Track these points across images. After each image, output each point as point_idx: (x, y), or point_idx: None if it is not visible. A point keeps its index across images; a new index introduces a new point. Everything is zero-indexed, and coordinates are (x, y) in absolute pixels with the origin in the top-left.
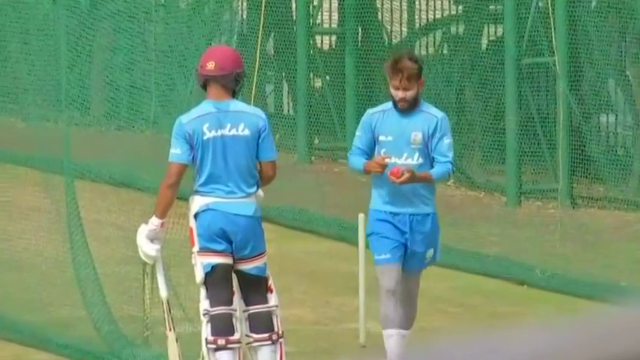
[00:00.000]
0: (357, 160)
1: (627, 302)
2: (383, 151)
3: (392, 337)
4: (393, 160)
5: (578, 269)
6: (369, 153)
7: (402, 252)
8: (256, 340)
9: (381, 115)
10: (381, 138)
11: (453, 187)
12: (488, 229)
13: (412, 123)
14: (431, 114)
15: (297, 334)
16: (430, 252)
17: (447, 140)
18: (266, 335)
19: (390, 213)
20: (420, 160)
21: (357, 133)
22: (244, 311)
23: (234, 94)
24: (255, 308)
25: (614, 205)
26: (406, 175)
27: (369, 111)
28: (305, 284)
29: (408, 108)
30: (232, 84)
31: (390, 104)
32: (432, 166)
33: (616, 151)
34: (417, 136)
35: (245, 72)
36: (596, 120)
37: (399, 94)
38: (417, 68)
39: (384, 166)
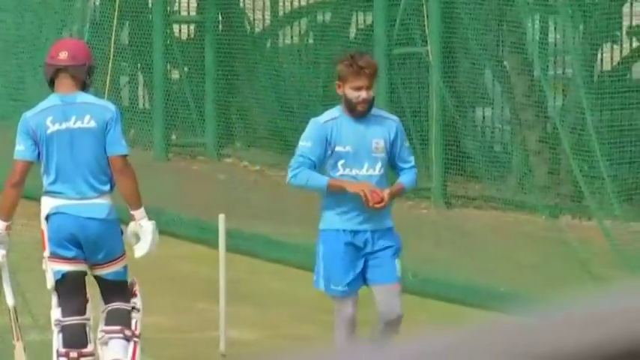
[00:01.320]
0: (312, 176)
1: (507, 309)
2: (341, 162)
3: None
4: (354, 172)
5: (454, 274)
6: (319, 165)
7: (361, 281)
8: (107, 333)
9: (333, 123)
10: (338, 149)
11: None
12: None
13: (371, 130)
14: (388, 118)
15: (155, 342)
16: (398, 263)
17: (406, 144)
18: (117, 327)
19: (351, 231)
20: (382, 171)
21: (306, 143)
22: (103, 311)
23: (84, 87)
24: (114, 305)
25: (492, 205)
26: (387, 199)
27: (319, 120)
28: (163, 289)
29: (367, 110)
30: (83, 75)
31: (337, 111)
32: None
33: (493, 147)
34: (379, 143)
35: (95, 67)
36: (471, 114)
37: (362, 95)
38: (376, 65)
39: (371, 192)
